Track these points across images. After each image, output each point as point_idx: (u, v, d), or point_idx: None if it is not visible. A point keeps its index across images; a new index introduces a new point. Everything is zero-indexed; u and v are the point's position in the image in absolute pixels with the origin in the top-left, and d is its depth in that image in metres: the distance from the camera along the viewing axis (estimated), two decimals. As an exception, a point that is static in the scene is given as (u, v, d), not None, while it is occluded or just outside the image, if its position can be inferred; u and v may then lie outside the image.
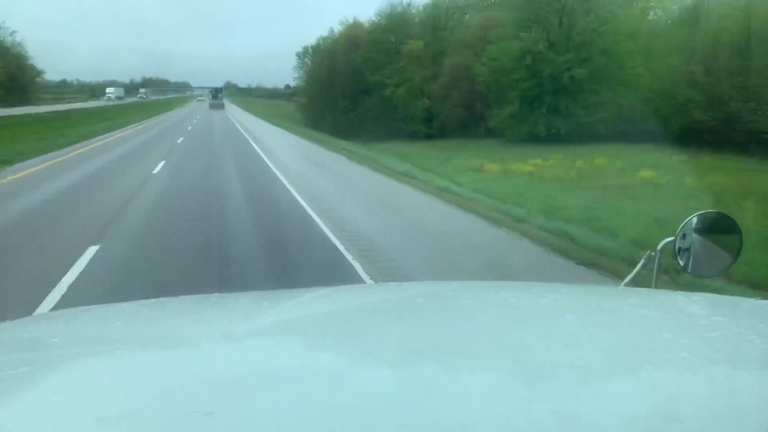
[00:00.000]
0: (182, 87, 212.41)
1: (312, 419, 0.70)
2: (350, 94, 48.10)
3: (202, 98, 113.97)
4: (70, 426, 0.71)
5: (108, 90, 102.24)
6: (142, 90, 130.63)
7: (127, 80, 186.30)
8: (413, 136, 40.49)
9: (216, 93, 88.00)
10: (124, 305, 1.42)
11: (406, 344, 0.99)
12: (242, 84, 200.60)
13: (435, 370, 0.87)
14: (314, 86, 54.29)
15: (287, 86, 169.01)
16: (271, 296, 1.53)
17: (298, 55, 61.32)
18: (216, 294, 1.50)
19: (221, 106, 73.65)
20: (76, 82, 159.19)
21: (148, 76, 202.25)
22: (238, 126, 39.28)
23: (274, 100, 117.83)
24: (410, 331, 1.08)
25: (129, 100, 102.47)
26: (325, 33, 59.56)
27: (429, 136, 40.20)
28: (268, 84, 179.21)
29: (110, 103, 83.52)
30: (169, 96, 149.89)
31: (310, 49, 58.77)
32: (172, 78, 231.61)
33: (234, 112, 75.57)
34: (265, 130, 39.08)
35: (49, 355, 1.01)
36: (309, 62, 57.88)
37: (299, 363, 0.91)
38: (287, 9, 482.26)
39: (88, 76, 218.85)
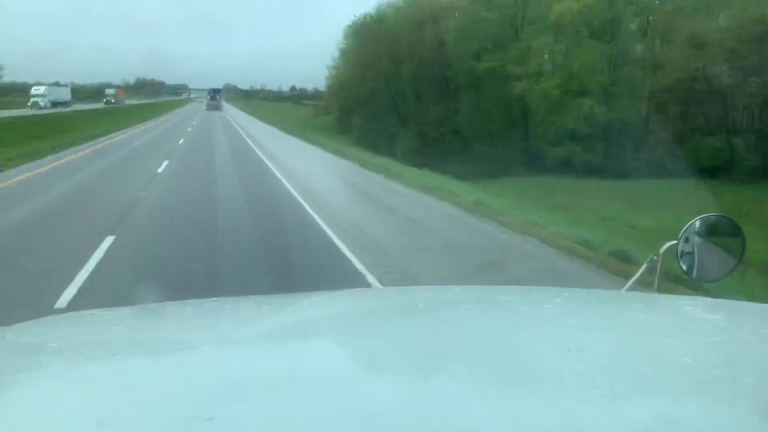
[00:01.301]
0: (180, 89, 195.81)
1: (313, 424, 0.70)
2: (436, 93, 28.67)
3: (201, 100, 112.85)
4: (71, 431, 0.71)
5: (34, 90, 58.72)
6: (109, 91, 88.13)
7: (123, 82, 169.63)
8: (561, 169, 22.40)
9: (213, 94, 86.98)
10: (124, 310, 1.41)
11: (408, 349, 0.99)
12: (243, 86, 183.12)
13: (436, 375, 0.86)
14: (367, 82, 34.44)
15: (293, 88, 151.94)
16: (272, 301, 1.51)
17: (349, 30, 41.18)
18: (216, 299, 1.45)
19: (219, 107, 76.09)
20: (70, 84, 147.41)
21: (142, 77, 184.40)
22: (258, 151, 21.45)
23: (280, 103, 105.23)
24: (412, 336, 1.08)
25: (90, 106, 62.80)
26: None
27: (591, 171, 21.70)
28: (271, 86, 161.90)
29: (38, 111, 45.71)
30: (161, 99, 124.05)
31: (368, 19, 37.80)
32: (172, 80, 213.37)
33: (238, 117, 59.81)
34: (297, 150, 23.42)
35: (50, 360, 1.00)
36: (358, 43, 38.72)
37: (300, 368, 0.90)
38: (289, 9, 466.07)
39: (84, 78, 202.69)
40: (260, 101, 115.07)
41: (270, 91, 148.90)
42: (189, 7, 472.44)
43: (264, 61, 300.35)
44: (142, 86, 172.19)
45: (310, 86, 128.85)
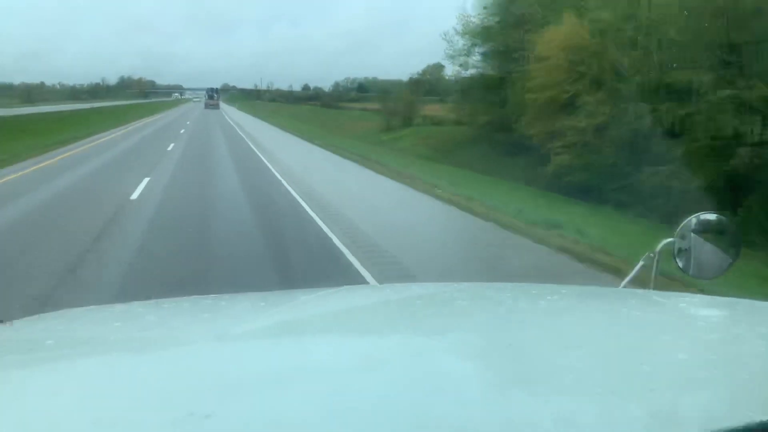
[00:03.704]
0: (172, 89, 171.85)
1: (311, 420, 0.70)
2: None
3: (198, 99, 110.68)
4: (67, 429, 0.70)
5: None
6: None
7: (102, 81, 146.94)
8: None
9: (212, 93, 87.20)
10: (121, 306, 1.39)
11: (406, 346, 0.98)
12: (241, 86, 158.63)
13: (434, 372, 0.86)
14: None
15: (306, 87, 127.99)
16: (269, 297, 1.48)
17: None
18: (213, 295, 1.41)
19: (216, 106, 76.88)
20: (59, 86, 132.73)
21: (128, 75, 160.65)
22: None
23: (297, 105, 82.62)
24: (409, 332, 1.08)
25: None
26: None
27: None
28: (278, 85, 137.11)
29: None
30: (124, 101, 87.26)
31: None
32: (168, 80, 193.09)
33: (256, 132, 35.09)
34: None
35: (46, 357, 0.99)
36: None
37: (298, 364, 0.89)
38: (291, 5, 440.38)
39: (74, 79, 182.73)
40: (270, 103, 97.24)
41: (279, 91, 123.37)
42: (186, 6, 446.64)
43: (264, 61, 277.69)
44: (128, 86, 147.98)
45: (324, 85, 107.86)
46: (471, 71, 27.32)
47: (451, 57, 27.48)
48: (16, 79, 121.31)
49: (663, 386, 0.79)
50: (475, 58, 27.12)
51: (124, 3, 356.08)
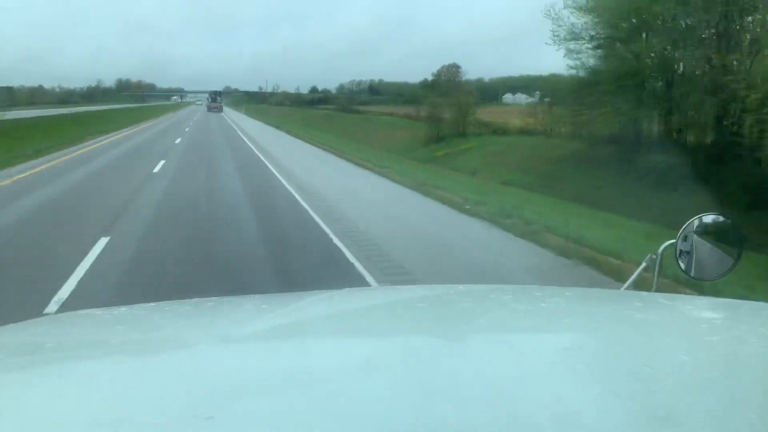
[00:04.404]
0: (173, 92, 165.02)
1: (312, 423, 0.70)
2: None
3: (200, 102, 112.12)
4: (68, 431, 0.70)
5: None
6: None
7: (97, 83, 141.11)
8: None
9: (214, 96, 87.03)
10: (123, 309, 1.37)
11: (407, 348, 0.99)
12: (244, 88, 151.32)
13: (435, 374, 0.86)
14: None
15: (314, 89, 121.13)
16: (271, 300, 1.48)
17: None
18: (215, 298, 1.41)
19: (219, 110, 75.83)
20: (58, 89, 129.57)
21: (126, 78, 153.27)
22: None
23: (308, 109, 75.61)
24: (411, 334, 1.08)
25: None
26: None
27: None
28: (284, 88, 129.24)
29: None
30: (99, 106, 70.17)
31: None
32: (170, 83, 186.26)
33: (285, 156, 21.44)
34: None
35: (47, 359, 0.99)
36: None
37: (300, 366, 0.90)
38: (293, 8, 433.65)
39: (75, 82, 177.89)
40: (278, 107, 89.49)
41: (286, 94, 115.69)
42: (187, 8, 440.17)
43: (266, 63, 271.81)
44: (126, 88, 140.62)
45: (329, 87, 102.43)
46: (578, 63, 18.91)
47: (562, 40, 19.02)
48: (17, 82, 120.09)
49: (665, 388, 0.80)
50: (587, 46, 18.69)
51: (125, 6, 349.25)
